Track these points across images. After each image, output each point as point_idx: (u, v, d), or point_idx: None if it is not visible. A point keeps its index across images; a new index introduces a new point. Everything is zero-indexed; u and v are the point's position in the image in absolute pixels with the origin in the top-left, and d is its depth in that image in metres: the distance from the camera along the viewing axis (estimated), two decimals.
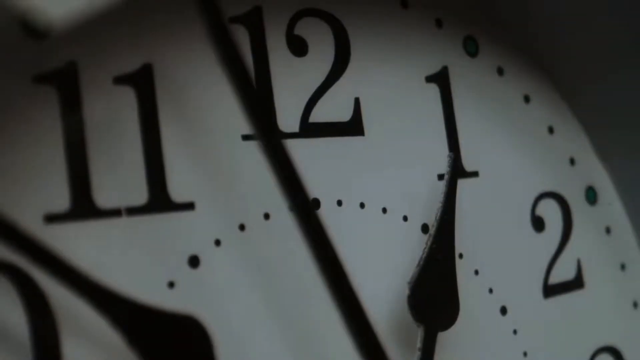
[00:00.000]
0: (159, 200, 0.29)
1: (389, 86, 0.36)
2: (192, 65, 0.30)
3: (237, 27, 0.32)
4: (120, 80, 0.28)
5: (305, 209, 0.26)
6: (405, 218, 0.35)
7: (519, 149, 0.41)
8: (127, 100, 0.28)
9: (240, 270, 0.30)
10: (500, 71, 0.41)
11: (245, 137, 0.31)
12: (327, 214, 0.33)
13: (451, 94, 0.38)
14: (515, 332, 0.39)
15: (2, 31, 0.24)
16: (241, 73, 0.25)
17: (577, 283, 0.42)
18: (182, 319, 0.26)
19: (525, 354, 0.39)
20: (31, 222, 0.26)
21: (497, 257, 0.38)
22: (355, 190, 0.34)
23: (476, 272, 0.38)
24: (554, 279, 0.41)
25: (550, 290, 0.40)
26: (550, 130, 0.43)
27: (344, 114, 0.34)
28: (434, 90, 0.38)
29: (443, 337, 0.34)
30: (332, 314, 0.32)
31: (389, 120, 0.36)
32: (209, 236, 0.30)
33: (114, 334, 0.25)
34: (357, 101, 0.35)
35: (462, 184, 0.37)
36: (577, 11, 0.38)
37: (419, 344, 0.32)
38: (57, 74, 0.27)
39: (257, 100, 0.25)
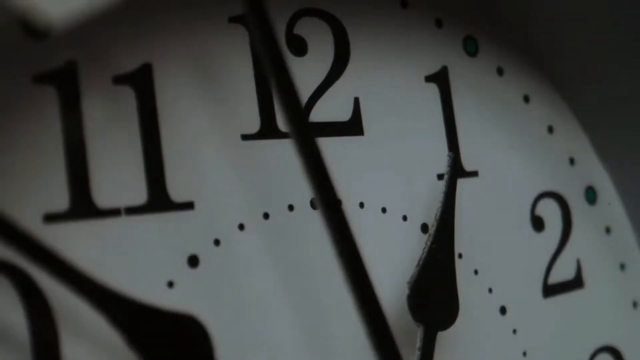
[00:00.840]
0: (159, 200, 0.29)
1: (389, 86, 0.36)
2: (192, 65, 0.30)
3: (236, 26, 0.32)
4: (120, 79, 0.28)
5: (332, 207, 0.26)
6: (404, 218, 0.35)
7: (518, 148, 0.41)
8: (126, 100, 0.29)
9: (239, 270, 0.30)
10: (500, 71, 0.41)
11: (245, 137, 0.31)
12: None
13: (451, 93, 0.38)
14: (514, 331, 0.39)
15: (2, 31, 0.24)
16: (283, 71, 0.25)
17: (576, 283, 0.42)
18: (182, 319, 0.26)
19: (524, 354, 0.39)
20: (31, 222, 0.26)
21: (496, 257, 0.38)
22: (355, 190, 0.34)
23: (476, 272, 0.38)
24: (554, 278, 0.41)
25: (550, 290, 0.40)
26: (550, 130, 0.43)
27: (344, 114, 0.34)
28: (433, 90, 0.38)
29: (443, 337, 0.34)
30: (331, 313, 0.32)
31: (388, 120, 0.36)
32: (209, 236, 0.30)
33: (113, 333, 0.25)
34: (356, 101, 0.35)
35: (462, 183, 0.37)
36: (577, 11, 0.38)
37: (418, 344, 0.32)
38: (57, 73, 0.27)
39: (294, 97, 0.26)
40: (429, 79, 0.38)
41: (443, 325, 0.34)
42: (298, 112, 0.26)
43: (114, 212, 0.27)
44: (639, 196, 0.44)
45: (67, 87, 0.27)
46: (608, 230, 0.44)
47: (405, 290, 0.32)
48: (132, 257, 0.28)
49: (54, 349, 0.26)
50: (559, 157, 0.43)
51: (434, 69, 0.38)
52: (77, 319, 0.26)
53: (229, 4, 0.31)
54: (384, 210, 0.35)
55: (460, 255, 0.37)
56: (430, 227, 0.34)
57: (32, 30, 0.26)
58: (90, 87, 0.28)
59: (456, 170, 0.36)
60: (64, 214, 0.26)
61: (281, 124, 0.32)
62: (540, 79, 0.43)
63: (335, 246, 0.26)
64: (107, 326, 0.25)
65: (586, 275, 0.42)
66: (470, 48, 0.40)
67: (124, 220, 0.28)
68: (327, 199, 0.26)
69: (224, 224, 0.30)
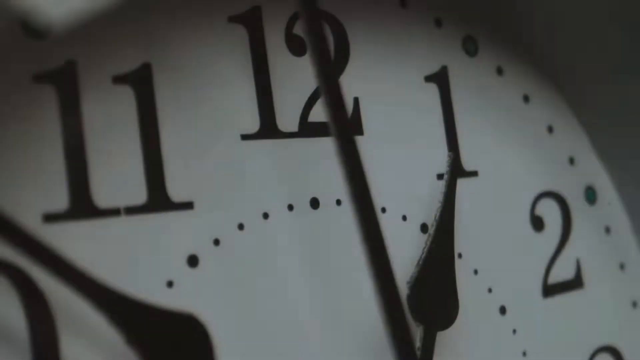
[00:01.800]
0: (158, 199, 0.29)
1: (388, 86, 0.36)
2: (192, 65, 0.30)
3: (236, 26, 0.32)
4: (119, 79, 0.28)
5: (366, 206, 0.27)
6: (404, 218, 0.35)
7: (518, 148, 0.41)
8: (126, 100, 0.29)
9: (239, 270, 0.30)
10: (499, 71, 0.41)
11: (245, 137, 0.31)
12: (326, 214, 0.33)
13: (450, 93, 0.38)
14: (514, 331, 0.39)
15: (2, 31, 0.24)
16: (327, 68, 0.26)
17: (576, 283, 0.42)
18: (182, 317, 0.26)
19: (524, 354, 0.39)
20: (30, 222, 0.26)
21: (496, 256, 0.38)
22: None
23: (475, 272, 0.38)
24: (554, 278, 0.41)
25: (550, 290, 0.40)
26: (550, 129, 0.43)
27: None
28: (433, 90, 0.38)
29: (442, 337, 0.34)
30: (331, 312, 0.32)
31: (388, 120, 0.36)
32: (208, 236, 0.30)
33: (113, 333, 0.25)
34: (356, 101, 0.35)
35: (462, 183, 0.37)
36: (577, 11, 0.38)
37: (418, 344, 0.32)
38: (56, 73, 0.27)
39: (339, 93, 0.26)
40: (428, 79, 0.38)
41: (443, 325, 0.34)
42: (343, 114, 0.26)
43: (113, 212, 0.27)
44: (639, 196, 0.44)
45: (66, 87, 0.27)
46: (608, 230, 0.44)
47: (405, 290, 0.33)
48: (131, 256, 0.28)
49: (54, 349, 0.26)
50: (558, 157, 0.43)
51: (433, 68, 0.38)
52: (77, 319, 0.26)
53: (229, 4, 0.31)
54: (384, 210, 0.35)
55: (460, 255, 0.37)
56: (430, 227, 0.34)
57: (32, 30, 0.26)
58: (90, 87, 0.28)
59: (456, 170, 0.37)
60: (64, 214, 0.26)
61: (281, 124, 0.32)
62: (540, 79, 0.43)
63: (364, 244, 0.26)
64: (107, 326, 0.25)
65: (586, 275, 0.42)
66: (470, 48, 0.40)
67: (123, 220, 0.28)
68: (361, 197, 0.27)
69: (223, 224, 0.30)
